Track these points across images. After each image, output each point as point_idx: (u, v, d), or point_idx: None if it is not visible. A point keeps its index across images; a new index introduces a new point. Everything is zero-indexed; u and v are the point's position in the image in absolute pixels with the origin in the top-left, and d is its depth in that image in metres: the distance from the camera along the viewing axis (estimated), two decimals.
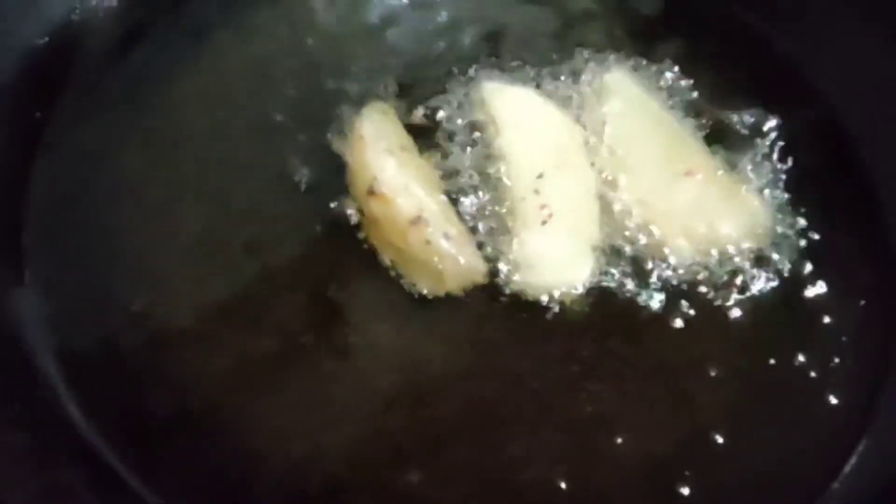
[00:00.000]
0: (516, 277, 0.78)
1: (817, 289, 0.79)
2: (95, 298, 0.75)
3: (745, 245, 0.80)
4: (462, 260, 0.77)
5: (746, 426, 0.73)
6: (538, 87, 0.87)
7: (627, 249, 0.79)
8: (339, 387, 0.72)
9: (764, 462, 0.72)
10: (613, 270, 0.78)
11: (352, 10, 0.94)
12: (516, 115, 0.86)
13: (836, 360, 0.76)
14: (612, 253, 0.79)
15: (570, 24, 0.93)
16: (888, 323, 0.78)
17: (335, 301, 0.76)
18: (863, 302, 0.79)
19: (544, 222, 0.80)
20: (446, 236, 0.77)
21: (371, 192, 0.78)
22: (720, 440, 0.73)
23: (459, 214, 0.80)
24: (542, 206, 0.80)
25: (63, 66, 0.85)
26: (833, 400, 0.75)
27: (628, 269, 0.78)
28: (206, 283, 0.77)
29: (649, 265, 0.78)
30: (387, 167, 0.80)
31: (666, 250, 0.79)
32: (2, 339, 0.70)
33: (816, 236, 0.81)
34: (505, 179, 0.82)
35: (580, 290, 0.77)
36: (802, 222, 0.82)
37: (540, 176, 0.82)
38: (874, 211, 0.84)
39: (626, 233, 0.80)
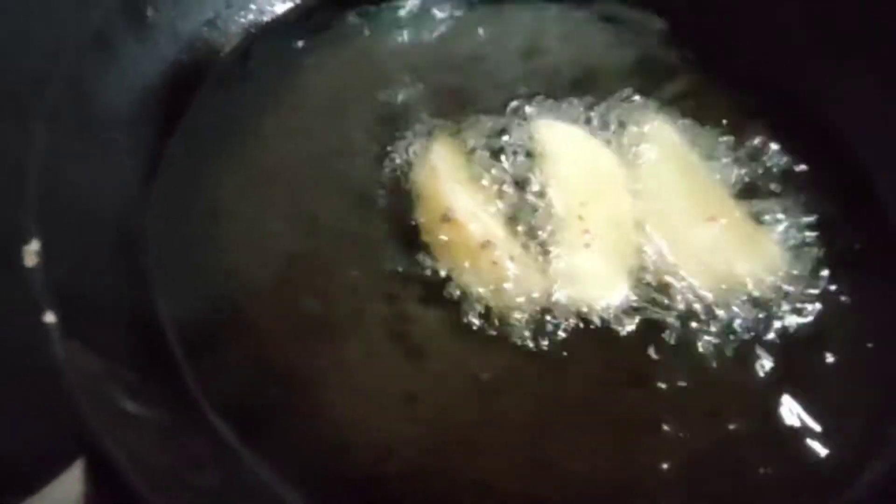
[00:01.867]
0: (564, 291, 0.86)
1: (828, 339, 0.86)
2: (207, 307, 0.84)
3: (762, 286, 0.88)
4: (523, 278, 0.86)
5: (771, 432, 0.81)
6: (587, 125, 0.98)
7: (651, 278, 0.88)
8: (416, 386, 0.81)
9: (787, 462, 0.80)
10: (643, 293, 0.87)
11: (416, 50, 1.04)
12: (564, 148, 0.96)
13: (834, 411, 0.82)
14: (640, 278, 0.88)
15: (622, 70, 1.03)
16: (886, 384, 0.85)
17: (410, 314, 0.85)
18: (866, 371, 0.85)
19: (587, 245, 0.89)
20: (511, 258, 0.87)
21: (445, 218, 0.89)
22: (748, 443, 0.80)
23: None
24: (585, 231, 0.89)
25: (174, 103, 0.95)
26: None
27: (654, 295, 0.87)
28: (298, 294, 0.86)
29: (672, 292, 0.87)
30: (459, 196, 0.90)
31: (684, 282, 0.88)
32: (146, 339, 0.80)
33: (834, 286, 0.89)
34: (551, 206, 0.92)
35: (618, 304, 0.86)
36: (823, 274, 0.89)
37: (583, 203, 0.91)
38: None
39: (651, 264, 0.89)
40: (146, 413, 0.70)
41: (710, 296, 0.87)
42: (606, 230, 0.91)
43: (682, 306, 0.87)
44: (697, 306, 0.87)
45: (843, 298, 0.89)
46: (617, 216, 0.92)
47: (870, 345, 0.87)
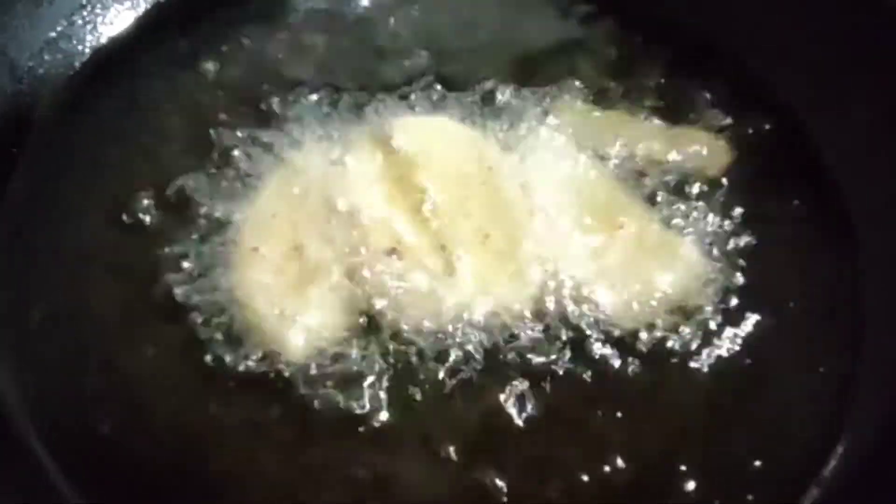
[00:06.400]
0: (472, 300, 0.77)
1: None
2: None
3: (684, 299, 0.79)
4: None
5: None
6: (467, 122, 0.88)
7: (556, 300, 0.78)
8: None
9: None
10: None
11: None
12: (429, 143, 0.85)
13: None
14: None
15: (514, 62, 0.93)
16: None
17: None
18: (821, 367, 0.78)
19: (483, 243, 0.79)
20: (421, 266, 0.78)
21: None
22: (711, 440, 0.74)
23: None
24: (478, 228, 0.80)
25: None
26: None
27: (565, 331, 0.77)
28: None
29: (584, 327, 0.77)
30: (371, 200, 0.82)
31: (598, 308, 0.78)
32: None
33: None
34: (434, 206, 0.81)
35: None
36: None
37: (467, 198, 0.81)
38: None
39: (560, 290, 0.78)
40: None
41: (627, 313, 0.78)
42: (502, 222, 0.81)
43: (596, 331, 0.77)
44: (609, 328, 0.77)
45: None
46: (509, 205, 0.82)
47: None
